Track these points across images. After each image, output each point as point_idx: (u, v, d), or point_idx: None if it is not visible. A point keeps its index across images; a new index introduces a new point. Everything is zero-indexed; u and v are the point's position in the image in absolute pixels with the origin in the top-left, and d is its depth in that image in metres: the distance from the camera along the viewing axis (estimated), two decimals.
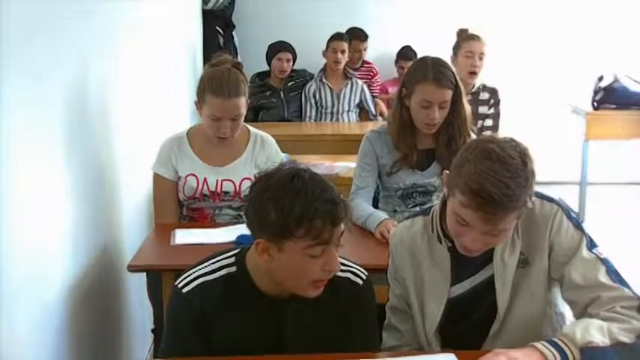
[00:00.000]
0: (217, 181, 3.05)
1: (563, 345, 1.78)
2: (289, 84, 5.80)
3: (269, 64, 5.77)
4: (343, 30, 6.02)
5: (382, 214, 2.89)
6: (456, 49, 4.34)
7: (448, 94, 2.90)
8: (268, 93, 5.74)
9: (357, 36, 6.17)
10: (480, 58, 4.30)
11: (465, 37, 4.38)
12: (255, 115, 5.57)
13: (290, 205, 1.75)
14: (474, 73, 4.25)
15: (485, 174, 1.79)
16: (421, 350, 2.08)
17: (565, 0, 6.51)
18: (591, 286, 1.91)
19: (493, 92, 4.43)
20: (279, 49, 5.71)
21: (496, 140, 1.88)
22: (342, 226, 1.81)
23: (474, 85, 4.28)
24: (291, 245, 1.78)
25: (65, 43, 2.46)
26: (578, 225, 2.00)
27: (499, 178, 1.78)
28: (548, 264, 2.00)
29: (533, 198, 1.94)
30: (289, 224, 1.75)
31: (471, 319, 2.07)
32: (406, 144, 3.00)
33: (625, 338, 1.79)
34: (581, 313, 1.92)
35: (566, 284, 1.97)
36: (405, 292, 2.13)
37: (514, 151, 1.83)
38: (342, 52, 5.77)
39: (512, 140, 1.88)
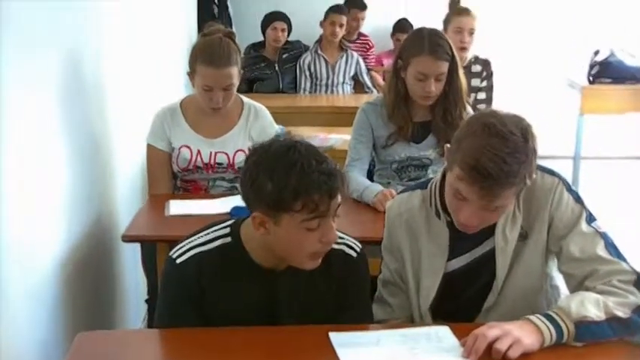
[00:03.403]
0: (211, 153, 3.03)
1: (558, 318, 1.78)
2: (284, 56, 5.77)
3: (264, 34, 5.73)
4: (340, 1, 5.97)
5: (379, 186, 2.88)
6: (446, 23, 4.30)
7: (445, 66, 2.88)
8: (263, 64, 5.70)
9: (356, 4, 6.13)
10: (470, 34, 4.25)
11: (454, 11, 4.34)
12: (249, 87, 5.55)
13: (286, 177, 1.74)
14: (463, 49, 4.20)
15: (483, 148, 1.77)
16: (414, 324, 2.08)
17: None
18: (589, 260, 1.91)
19: (485, 64, 4.40)
20: (274, 18, 5.68)
21: (498, 115, 1.85)
22: (339, 197, 1.80)
23: (465, 59, 4.24)
24: (287, 218, 1.77)
25: (58, 14, 2.43)
26: (578, 199, 1.99)
27: (497, 153, 1.76)
28: (547, 237, 1.99)
29: (536, 171, 1.94)
30: (286, 197, 1.74)
31: (466, 293, 2.07)
32: (401, 116, 2.98)
33: (620, 313, 1.79)
34: (577, 286, 1.91)
35: (563, 257, 1.96)
36: (399, 266, 2.12)
37: (515, 127, 1.80)
38: (341, 25, 5.73)
39: (515, 116, 1.85)
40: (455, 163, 1.84)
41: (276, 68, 5.72)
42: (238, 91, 3.04)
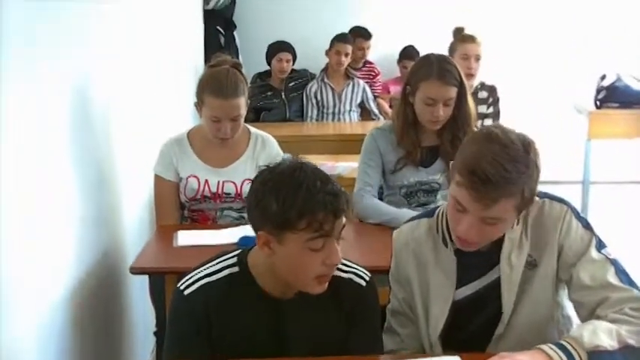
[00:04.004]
0: (218, 182, 3.03)
1: (570, 348, 1.75)
2: (290, 84, 5.79)
3: (269, 65, 5.75)
4: (345, 30, 6.00)
5: (412, 212, 2.85)
6: (451, 51, 4.32)
7: (453, 91, 2.89)
8: (269, 93, 5.72)
9: (360, 34, 6.15)
10: (477, 60, 4.28)
11: (459, 38, 4.36)
12: (256, 116, 5.56)
13: (291, 196, 1.74)
14: (470, 75, 4.22)
15: (483, 154, 1.79)
16: (425, 354, 2.06)
17: (571, 4, 6.48)
18: (600, 287, 1.89)
19: (492, 90, 4.41)
20: (278, 49, 5.68)
21: (502, 127, 1.88)
22: (344, 218, 1.80)
23: (472, 86, 4.25)
24: (292, 237, 1.77)
25: (66, 46, 2.44)
26: (587, 225, 1.98)
27: (496, 158, 1.78)
28: (557, 265, 1.97)
29: (544, 199, 1.93)
30: (290, 216, 1.74)
31: (475, 322, 2.05)
32: (410, 141, 2.99)
33: (633, 341, 1.77)
34: (588, 315, 1.89)
35: (574, 285, 1.95)
36: (408, 295, 2.11)
37: (517, 138, 1.82)
38: (346, 54, 5.75)
39: (519, 132, 1.87)
40: (455, 170, 1.85)
41: (283, 97, 5.74)
42: (245, 120, 3.05)
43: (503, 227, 1.91)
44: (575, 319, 2.03)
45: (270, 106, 5.69)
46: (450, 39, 4.46)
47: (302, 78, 5.86)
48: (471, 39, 4.34)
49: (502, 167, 1.77)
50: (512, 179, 1.78)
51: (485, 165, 1.77)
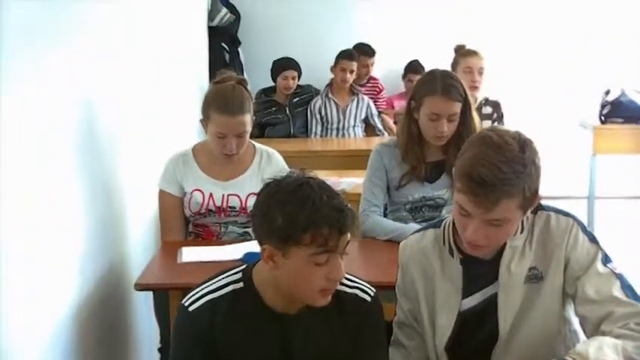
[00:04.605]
0: (223, 195, 3.04)
1: None
2: (295, 100, 5.80)
3: (274, 81, 5.76)
4: (350, 45, 6.01)
5: (417, 226, 2.86)
6: (454, 65, 4.33)
7: (457, 106, 2.90)
8: (274, 109, 5.73)
9: (364, 51, 6.16)
10: (480, 73, 4.29)
11: (462, 53, 4.38)
12: (261, 132, 5.57)
13: (297, 210, 1.75)
14: (475, 88, 4.23)
15: (478, 157, 1.80)
16: None
17: (572, 13, 6.49)
18: (605, 301, 1.89)
19: (496, 106, 4.41)
20: (283, 67, 5.69)
21: (496, 129, 1.89)
22: (349, 235, 1.80)
23: (475, 100, 4.25)
24: (296, 251, 1.77)
25: (72, 61, 2.45)
26: (593, 239, 1.98)
27: (492, 161, 1.78)
28: (564, 279, 1.97)
29: (550, 212, 1.93)
30: (295, 230, 1.75)
31: (482, 333, 2.04)
32: (415, 156, 2.99)
33: (639, 358, 1.76)
34: (593, 330, 1.89)
35: (579, 298, 1.95)
36: (414, 307, 2.11)
37: (512, 139, 1.83)
38: (351, 71, 5.74)
39: (516, 132, 1.88)
40: (455, 177, 1.87)
41: (287, 112, 5.75)
42: (250, 136, 3.05)
43: (511, 227, 1.91)
44: (582, 335, 2.02)
45: (275, 121, 5.71)
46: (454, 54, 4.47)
47: (306, 94, 5.87)
48: (474, 53, 4.36)
49: (497, 169, 1.78)
50: (509, 180, 1.78)
51: (481, 169, 1.78)
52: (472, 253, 1.95)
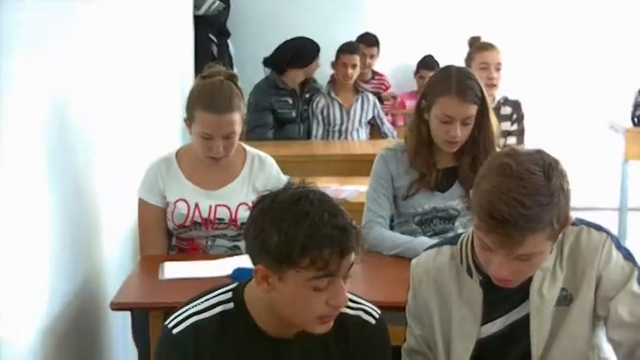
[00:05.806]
0: (210, 206, 3.03)
1: None
2: (306, 96, 5.76)
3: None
4: (353, 38, 6.01)
5: (427, 239, 2.85)
6: (469, 60, 4.33)
7: (472, 109, 2.87)
8: (289, 101, 5.70)
9: (363, 39, 6.16)
10: (497, 69, 4.29)
11: (477, 46, 4.37)
12: (280, 125, 5.55)
13: (294, 229, 1.74)
14: (492, 85, 4.23)
15: (497, 191, 1.78)
16: None
17: (604, 11, 6.50)
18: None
19: (516, 106, 4.42)
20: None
21: (515, 153, 1.86)
22: (353, 256, 1.78)
23: (493, 99, 4.25)
24: (293, 275, 1.76)
25: (44, 56, 2.45)
26: (628, 256, 1.98)
27: (513, 196, 1.76)
28: (595, 300, 1.97)
29: (581, 226, 1.93)
30: (293, 251, 1.73)
31: None
32: (423, 162, 2.97)
33: None
34: (627, 356, 1.89)
35: (611, 321, 1.94)
36: (427, 332, 2.10)
37: (535, 165, 1.80)
38: (353, 66, 5.69)
39: (537, 152, 1.86)
40: (473, 210, 1.85)
41: (300, 107, 5.71)
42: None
43: (540, 259, 1.90)
44: None
45: (288, 116, 5.66)
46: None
47: (316, 90, 5.82)
48: (490, 46, 4.35)
49: (520, 204, 1.75)
50: (534, 215, 1.76)
51: (501, 206, 1.76)
52: (502, 286, 1.93)
